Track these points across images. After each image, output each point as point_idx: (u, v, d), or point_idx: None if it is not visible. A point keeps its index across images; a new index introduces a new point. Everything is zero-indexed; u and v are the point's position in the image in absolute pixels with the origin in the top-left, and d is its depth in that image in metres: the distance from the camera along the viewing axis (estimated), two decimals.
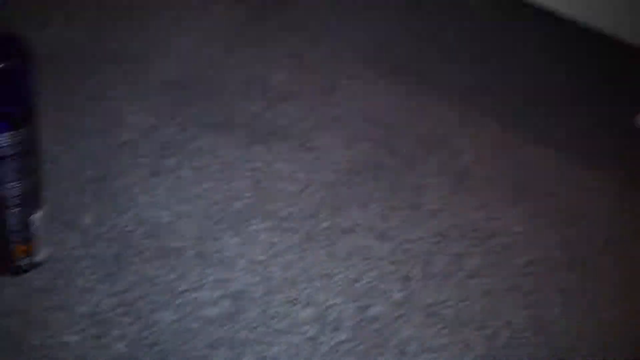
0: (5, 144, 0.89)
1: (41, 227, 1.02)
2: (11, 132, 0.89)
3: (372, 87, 1.53)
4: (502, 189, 1.36)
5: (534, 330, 1.12)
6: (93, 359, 0.95)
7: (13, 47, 0.87)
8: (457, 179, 1.35)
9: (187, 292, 1.04)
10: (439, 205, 1.29)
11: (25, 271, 1.03)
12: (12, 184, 0.94)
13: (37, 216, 1.00)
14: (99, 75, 1.38)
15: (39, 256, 1.04)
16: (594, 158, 1.49)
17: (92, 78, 1.38)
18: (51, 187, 1.10)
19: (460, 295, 1.14)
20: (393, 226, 1.23)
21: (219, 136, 1.30)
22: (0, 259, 1.02)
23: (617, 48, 1.87)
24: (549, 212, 1.34)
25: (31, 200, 0.99)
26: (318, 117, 1.41)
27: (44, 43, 1.41)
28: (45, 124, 0.98)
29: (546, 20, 1.90)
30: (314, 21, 1.68)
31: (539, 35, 1.85)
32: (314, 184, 1.26)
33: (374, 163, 1.34)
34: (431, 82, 1.58)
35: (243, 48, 1.54)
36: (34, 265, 1.04)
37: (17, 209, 0.97)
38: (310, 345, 1.01)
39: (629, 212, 1.38)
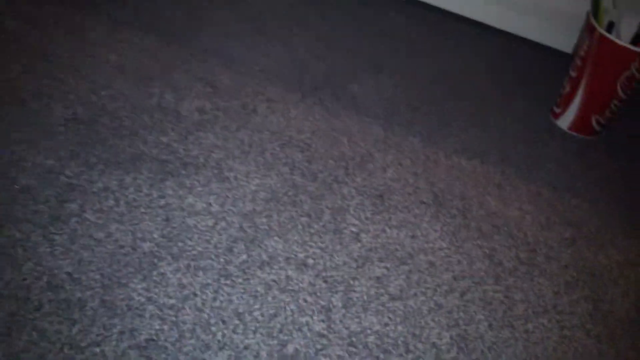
0: None
1: None
2: None
3: (292, 109, 1.50)
4: (425, 204, 1.35)
5: (458, 349, 1.10)
6: None
7: None
8: (378, 199, 1.33)
9: (91, 346, 0.98)
10: (360, 228, 1.26)
11: None
12: None
13: None
14: None
15: None
16: (517, 166, 1.50)
17: None
18: None
19: (384, 321, 1.12)
20: (313, 254, 1.19)
21: (127, 173, 1.24)
22: None
23: (539, 53, 1.90)
24: (472, 224, 1.33)
25: None
26: (233, 145, 1.37)
27: None
28: None
29: (469, 30, 1.92)
30: (228, 44, 1.64)
31: (463, 44, 1.86)
32: (229, 217, 1.22)
33: (292, 189, 1.31)
34: (353, 100, 1.56)
35: (152, 77, 1.49)
36: None
37: None
38: None
39: (554, 216, 1.39)
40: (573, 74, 1.60)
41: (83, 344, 0.98)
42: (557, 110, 1.66)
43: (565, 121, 1.64)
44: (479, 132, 1.57)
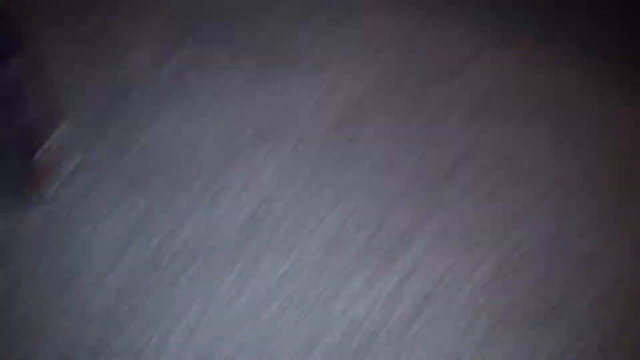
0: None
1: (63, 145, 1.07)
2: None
3: (388, 15, 1.45)
4: (527, 110, 1.29)
5: (548, 250, 1.09)
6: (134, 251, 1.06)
7: None
8: (482, 100, 1.28)
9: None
10: (460, 127, 1.24)
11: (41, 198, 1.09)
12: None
13: (58, 135, 1.05)
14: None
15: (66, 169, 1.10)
16: (626, 74, 1.37)
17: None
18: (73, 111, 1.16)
19: (475, 218, 1.12)
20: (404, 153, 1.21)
21: (232, 62, 1.29)
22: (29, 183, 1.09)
23: None
24: (573, 131, 1.25)
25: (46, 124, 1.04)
26: (330, 43, 1.36)
27: None
28: (54, 55, 1.01)
29: None
30: None
31: None
32: (329, 104, 1.25)
33: (391, 86, 1.30)
34: (450, 6, 1.48)
35: None
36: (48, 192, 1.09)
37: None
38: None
39: None
40: None
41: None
42: None
43: None
44: (594, 36, 1.42)
